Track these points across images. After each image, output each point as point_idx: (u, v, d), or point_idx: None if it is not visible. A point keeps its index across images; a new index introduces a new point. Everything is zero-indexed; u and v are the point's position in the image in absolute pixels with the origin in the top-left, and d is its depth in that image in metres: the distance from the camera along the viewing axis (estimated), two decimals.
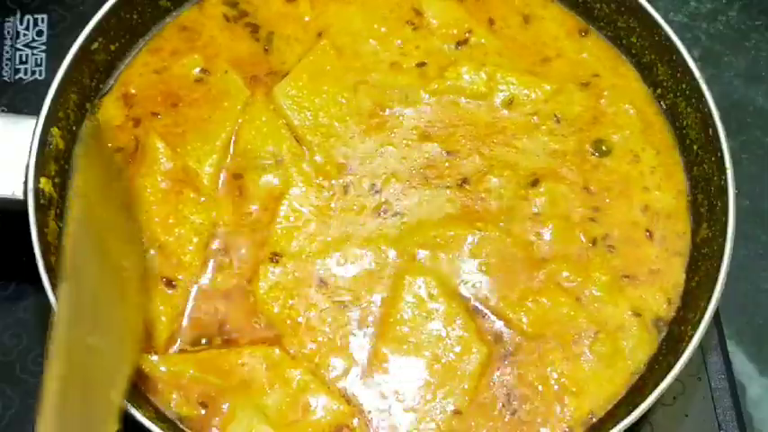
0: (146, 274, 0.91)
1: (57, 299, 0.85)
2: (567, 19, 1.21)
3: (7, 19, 1.31)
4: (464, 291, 1.06)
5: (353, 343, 1.04)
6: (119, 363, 0.87)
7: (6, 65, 1.28)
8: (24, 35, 1.30)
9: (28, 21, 1.31)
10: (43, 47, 1.29)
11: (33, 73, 1.27)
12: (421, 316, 1.03)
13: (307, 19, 1.19)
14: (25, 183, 1.03)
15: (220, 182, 1.10)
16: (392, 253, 1.07)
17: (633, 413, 0.96)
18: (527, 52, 1.18)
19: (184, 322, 1.04)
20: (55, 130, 1.07)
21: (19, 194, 1.03)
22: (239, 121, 1.12)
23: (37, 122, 1.05)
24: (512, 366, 1.03)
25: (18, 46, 1.29)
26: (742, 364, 1.21)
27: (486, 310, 1.05)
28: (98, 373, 0.85)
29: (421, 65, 1.16)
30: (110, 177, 0.91)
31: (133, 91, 1.14)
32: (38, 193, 1.03)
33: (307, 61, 1.14)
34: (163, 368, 1.01)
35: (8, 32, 1.30)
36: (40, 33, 1.30)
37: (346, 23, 1.18)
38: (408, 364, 1.03)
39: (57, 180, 1.07)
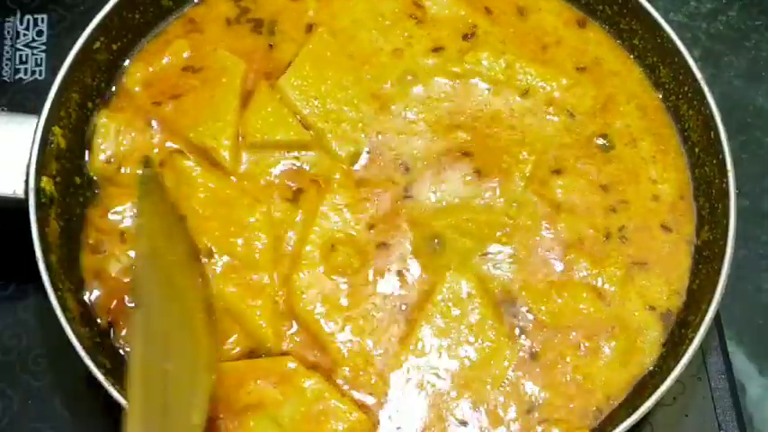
0: (210, 306, 0.96)
1: (131, 327, 0.93)
2: (564, 10, 1.21)
3: (7, 19, 1.30)
4: (492, 280, 1.06)
5: (380, 339, 1.04)
6: (195, 386, 0.92)
7: (6, 65, 1.28)
8: (24, 35, 1.29)
9: (28, 21, 1.30)
10: (43, 47, 1.29)
11: (33, 73, 1.27)
12: (454, 318, 1.03)
13: (311, 13, 1.18)
14: (26, 182, 1.03)
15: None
16: (419, 237, 1.07)
17: (633, 415, 0.96)
18: (528, 39, 1.18)
19: None
20: (56, 129, 1.07)
21: (20, 193, 1.04)
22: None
23: (38, 121, 1.05)
24: (534, 363, 1.03)
25: (18, 46, 1.29)
26: (742, 364, 1.21)
27: (511, 302, 1.05)
28: (177, 398, 0.90)
29: (437, 50, 1.16)
30: (170, 221, 0.98)
31: (137, 89, 1.14)
32: (39, 192, 1.03)
33: (306, 50, 1.14)
34: None
35: (8, 32, 1.30)
36: (40, 33, 1.30)
37: (348, 14, 1.18)
38: (436, 364, 1.02)
39: (58, 179, 1.07)
